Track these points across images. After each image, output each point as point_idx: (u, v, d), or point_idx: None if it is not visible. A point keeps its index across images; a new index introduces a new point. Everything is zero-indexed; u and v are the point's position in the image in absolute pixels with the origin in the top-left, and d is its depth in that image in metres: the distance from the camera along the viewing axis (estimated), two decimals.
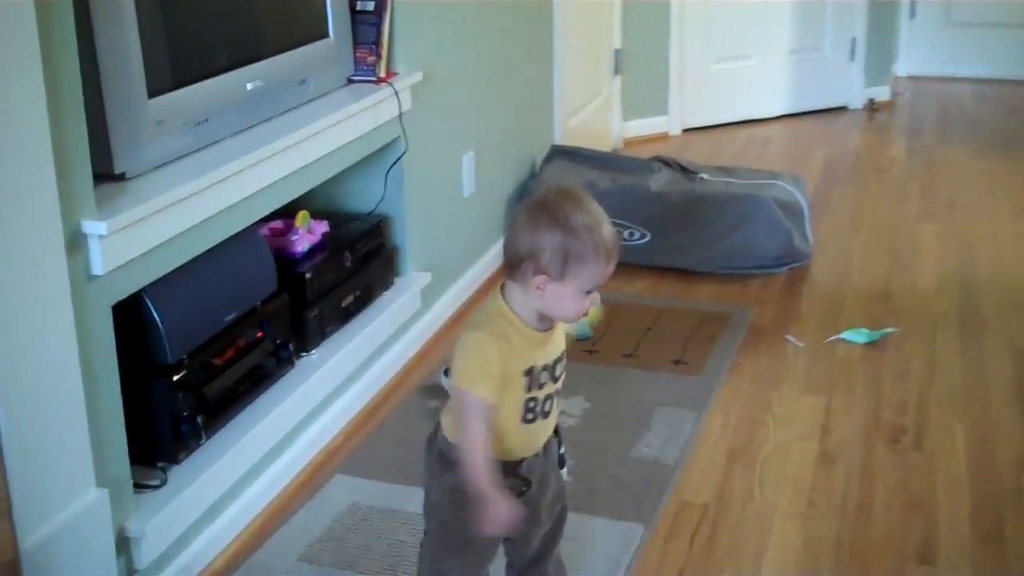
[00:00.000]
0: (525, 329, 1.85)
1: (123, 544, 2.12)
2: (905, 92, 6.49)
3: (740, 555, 2.41)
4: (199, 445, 2.34)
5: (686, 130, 5.74)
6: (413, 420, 2.89)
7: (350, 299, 2.96)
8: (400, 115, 3.05)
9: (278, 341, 2.62)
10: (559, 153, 4.32)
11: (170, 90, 2.27)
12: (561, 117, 4.59)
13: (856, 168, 5.22)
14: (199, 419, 2.32)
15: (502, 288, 1.87)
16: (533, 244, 1.79)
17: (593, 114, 5.11)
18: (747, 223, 3.86)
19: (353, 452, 2.80)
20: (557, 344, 1.90)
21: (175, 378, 2.26)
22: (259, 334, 2.56)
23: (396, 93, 3.01)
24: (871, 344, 3.35)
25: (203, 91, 2.38)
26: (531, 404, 1.88)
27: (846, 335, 3.39)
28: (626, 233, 3.97)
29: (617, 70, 5.38)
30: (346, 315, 2.95)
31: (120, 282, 2.07)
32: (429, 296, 3.34)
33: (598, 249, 1.78)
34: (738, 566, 2.37)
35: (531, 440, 1.93)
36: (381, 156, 3.10)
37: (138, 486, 2.22)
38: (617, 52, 5.36)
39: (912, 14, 6.86)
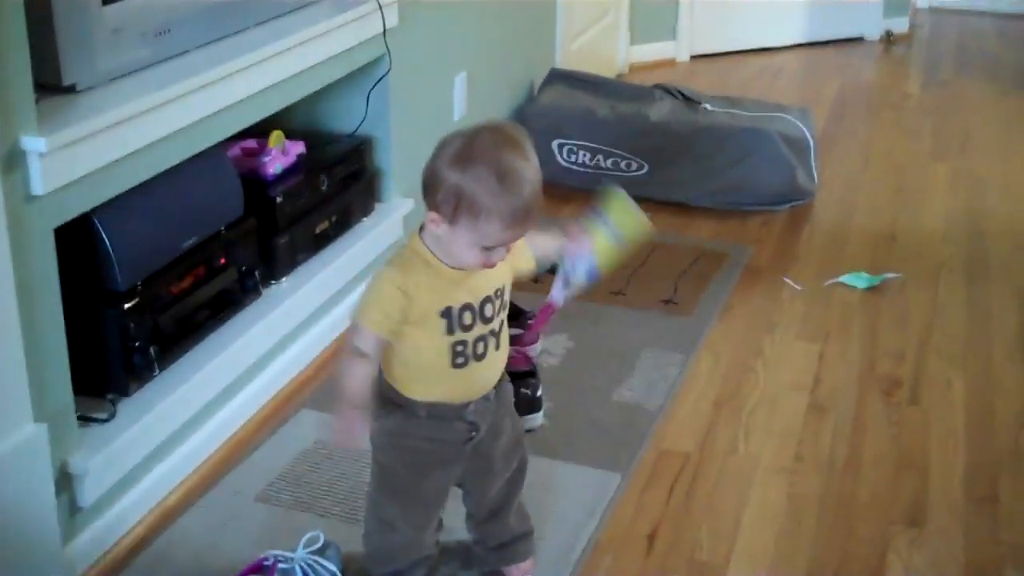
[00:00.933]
0: (439, 266, 1.73)
1: (65, 481, 2.00)
2: (924, 24, 6.27)
3: (719, 509, 2.29)
4: (152, 377, 2.22)
5: (694, 57, 5.55)
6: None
7: (325, 225, 2.81)
8: (384, 31, 2.88)
9: (243, 269, 2.49)
10: (558, 77, 4.15)
11: None
12: (563, 39, 4.41)
13: (869, 102, 5.04)
14: (152, 349, 2.19)
15: (422, 225, 1.75)
16: (433, 175, 1.67)
17: (597, 37, 4.91)
18: (750, 157, 3.70)
19: (322, 387, 2.68)
20: (484, 283, 1.76)
21: (126, 306, 2.13)
22: (222, 261, 2.42)
23: (380, 7, 2.84)
24: (871, 289, 3.21)
25: None
26: (459, 348, 1.77)
27: (845, 279, 3.25)
28: (623, 164, 3.81)
29: None
30: (320, 242, 2.81)
31: (63, 203, 1.92)
32: (411, 224, 3.18)
33: (500, 208, 1.63)
34: (716, 521, 2.26)
35: (469, 384, 1.81)
36: (364, 74, 2.94)
37: (85, 419, 2.10)
38: None
39: None
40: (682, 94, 4.05)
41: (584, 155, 3.82)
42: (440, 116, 3.40)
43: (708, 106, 3.95)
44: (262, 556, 1.98)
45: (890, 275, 3.26)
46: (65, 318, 1.97)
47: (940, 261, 3.41)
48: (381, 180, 3.10)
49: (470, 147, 1.65)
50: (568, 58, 4.45)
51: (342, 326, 2.82)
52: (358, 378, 1.75)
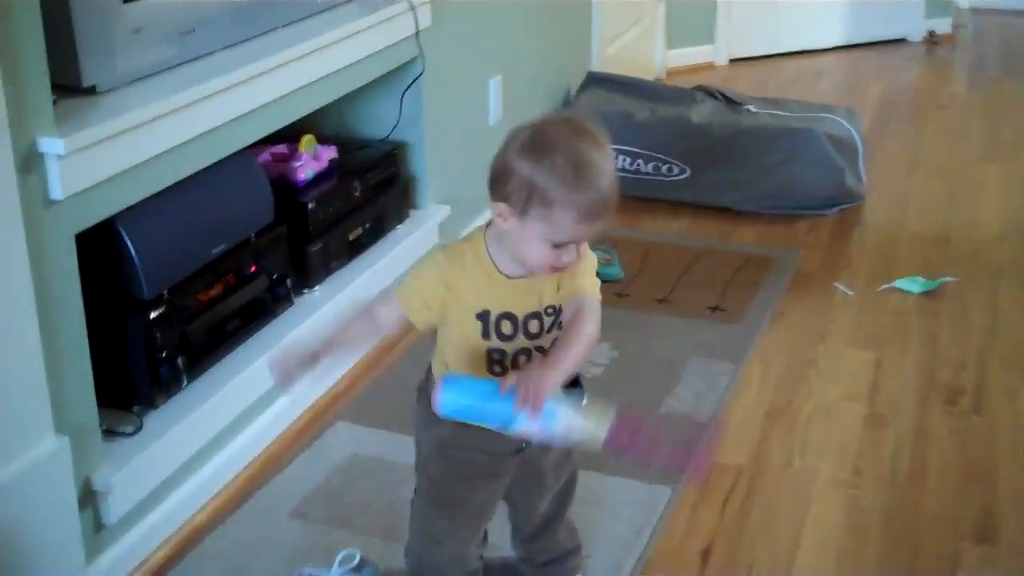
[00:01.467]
0: (491, 268, 1.63)
1: (89, 497, 1.91)
2: (967, 25, 6.12)
3: (776, 526, 2.17)
4: (180, 389, 2.13)
5: (733, 60, 5.42)
6: (426, 364, 2.66)
7: (359, 232, 2.72)
8: (417, 32, 2.79)
9: (275, 276, 2.39)
10: (595, 81, 4.04)
11: None
12: (599, 42, 4.30)
13: (914, 104, 4.90)
14: (180, 360, 2.10)
15: (490, 221, 1.64)
16: (504, 165, 1.56)
17: (634, 41, 4.80)
18: (796, 159, 3.58)
19: (357, 399, 2.58)
20: (532, 298, 1.64)
21: (152, 315, 2.04)
22: (253, 268, 2.33)
23: (413, 7, 2.75)
24: (927, 294, 3.08)
25: None
26: (495, 356, 1.66)
27: (900, 284, 3.11)
28: (664, 168, 3.69)
29: None
30: (354, 249, 2.71)
31: (84, 208, 1.84)
32: (448, 231, 3.08)
33: (574, 200, 1.52)
34: (773, 538, 2.13)
35: None
36: (397, 77, 2.85)
37: (110, 433, 2.01)
38: None
39: None
40: (724, 96, 3.93)
41: (624, 160, 3.71)
42: (475, 120, 3.30)
43: (751, 107, 3.83)
44: (295, 574, 1.88)
45: (947, 279, 3.12)
46: (89, 328, 1.89)
47: (998, 264, 3.27)
48: (416, 186, 3.00)
49: (544, 136, 1.55)
50: (604, 63, 4.34)
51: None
52: (350, 326, 1.68)
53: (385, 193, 2.83)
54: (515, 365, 1.68)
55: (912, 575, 2.04)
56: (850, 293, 3.09)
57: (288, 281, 2.43)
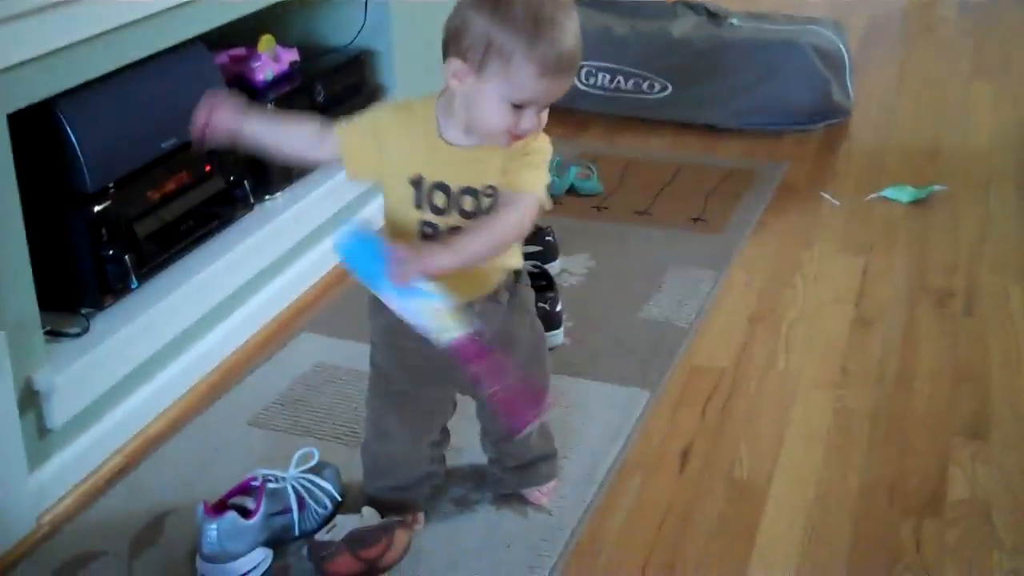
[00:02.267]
0: (433, 130, 1.53)
1: (30, 399, 1.80)
2: None
3: (759, 426, 2.07)
4: (129, 290, 2.01)
5: None
6: None
7: None
8: None
9: (231, 178, 2.27)
10: None
11: None
12: None
13: (903, 26, 4.77)
14: (128, 259, 1.98)
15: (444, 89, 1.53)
16: (460, 19, 1.46)
17: None
18: (780, 72, 3.45)
19: (323, 311, 2.47)
20: (473, 172, 1.54)
21: (96, 208, 1.92)
22: (207, 168, 2.21)
23: None
24: (916, 203, 2.97)
25: None
26: (427, 230, 1.56)
27: (888, 192, 3.01)
28: (644, 85, 3.57)
29: None
30: None
31: (16, 86, 1.71)
32: None
33: (533, 53, 1.42)
34: (755, 438, 2.03)
35: (460, 280, 1.54)
36: None
37: (54, 334, 1.90)
38: None
39: None
40: (706, 9, 3.79)
41: (603, 77, 3.59)
42: None
43: (734, 21, 3.70)
44: (250, 476, 1.77)
45: (937, 187, 3.02)
46: (29, 221, 1.76)
47: (989, 174, 3.17)
48: (384, 96, 2.88)
49: None
50: None
51: None
52: (296, 121, 1.61)
53: (350, 100, 2.70)
54: None
55: (901, 471, 1.94)
56: (837, 203, 2.99)
57: (246, 184, 2.31)
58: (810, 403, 2.14)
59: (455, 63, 1.47)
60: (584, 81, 3.62)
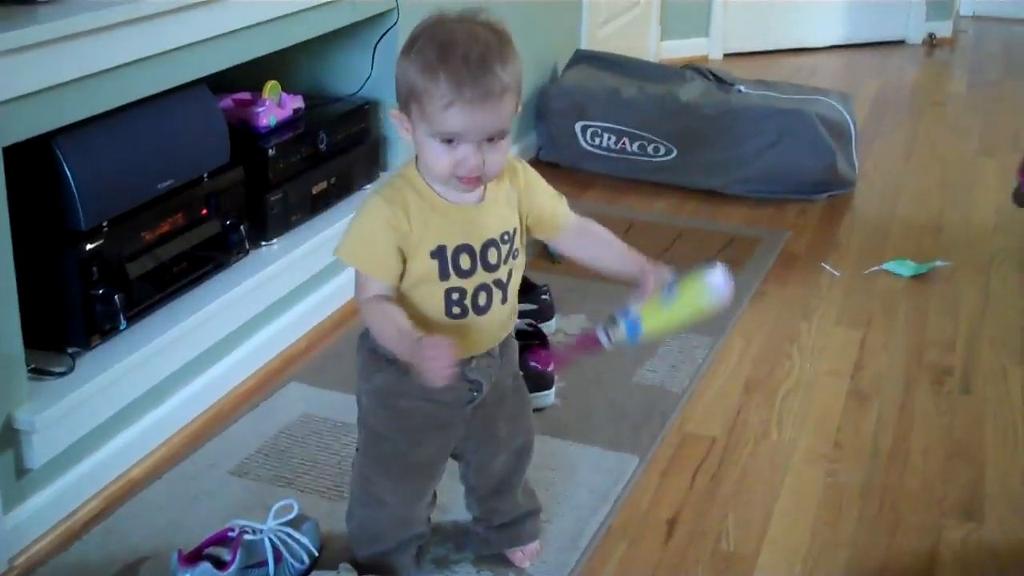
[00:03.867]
0: (431, 195, 1.50)
1: (10, 436, 1.77)
2: (968, 30, 6.02)
3: (749, 497, 2.04)
4: (117, 330, 1.99)
5: (728, 55, 5.32)
6: None
7: (323, 186, 2.59)
8: None
9: (228, 222, 2.26)
10: (584, 58, 3.92)
11: None
12: (589, 21, 4.19)
13: (912, 101, 4.79)
14: (117, 298, 1.96)
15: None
16: (396, 72, 1.48)
17: (627, 27, 4.69)
18: (786, 141, 3.46)
19: (312, 361, 2.45)
20: (487, 223, 1.53)
21: (88, 247, 1.91)
22: (204, 211, 2.20)
23: None
24: (917, 277, 2.95)
25: None
26: (454, 296, 1.53)
27: (889, 266, 2.99)
28: (650, 148, 3.58)
29: None
30: (317, 204, 2.58)
31: (15, 119, 1.70)
32: None
33: (438, 82, 1.39)
34: (745, 509, 2.00)
35: (470, 338, 1.55)
36: (370, 28, 2.72)
37: (39, 372, 1.88)
38: None
39: None
40: (715, 75, 3.81)
41: (609, 138, 3.59)
42: None
43: (742, 88, 3.71)
44: (227, 526, 1.74)
45: (939, 263, 3.00)
46: (20, 258, 1.75)
47: (991, 252, 3.15)
48: (387, 146, 2.88)
49: (416, 30, 1.46)
50: (595, 46, 4.22)
51: (344, 297, 2.60)
52: (391, 314, 1.48)
53: (353, 150, 2.70)
54: (475, 304, 1.55)
55: (892, 549, 1.90)
56: (837, 274, 2.97)
57: (243, 228, 2.29)
58: (801, 476, 2.11)
59: (393, 113, 1.49)
60: (589, 141, 3.62)
